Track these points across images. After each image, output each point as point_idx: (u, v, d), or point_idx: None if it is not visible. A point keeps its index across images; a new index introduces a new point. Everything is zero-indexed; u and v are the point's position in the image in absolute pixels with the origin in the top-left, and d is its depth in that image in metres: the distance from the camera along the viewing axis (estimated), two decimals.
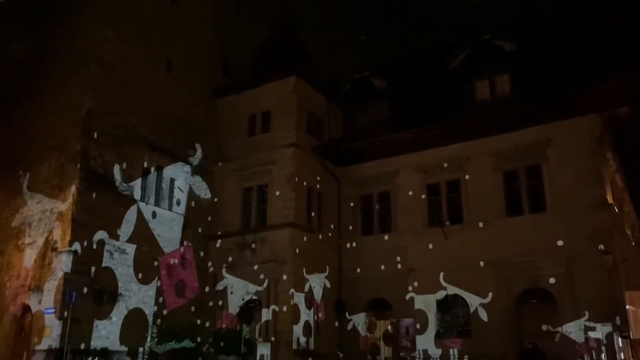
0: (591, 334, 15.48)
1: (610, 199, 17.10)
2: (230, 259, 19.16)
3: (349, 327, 19.58)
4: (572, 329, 15.85)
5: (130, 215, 17.81)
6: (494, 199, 18.23)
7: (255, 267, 18.70)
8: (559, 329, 16.06)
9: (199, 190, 20.48)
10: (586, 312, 15.72)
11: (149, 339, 17.25)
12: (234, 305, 19.01)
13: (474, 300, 17.56)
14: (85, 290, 15.76)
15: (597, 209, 16.41)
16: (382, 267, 18.59)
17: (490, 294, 17.10)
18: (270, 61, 22.59)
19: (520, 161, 18.18)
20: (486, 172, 18.53)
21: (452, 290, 18.05)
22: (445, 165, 19.23)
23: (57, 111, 18.04)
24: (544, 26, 19.94)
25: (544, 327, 16.18)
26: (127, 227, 17.58)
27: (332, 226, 20.81)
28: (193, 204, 20.08)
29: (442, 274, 18.01)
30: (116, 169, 17.57)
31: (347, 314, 19.82)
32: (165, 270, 17.69)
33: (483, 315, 17.18)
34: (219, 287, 19.13)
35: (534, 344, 15.97)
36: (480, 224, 17.51)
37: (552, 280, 16.25)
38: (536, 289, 17.01)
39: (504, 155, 18.35)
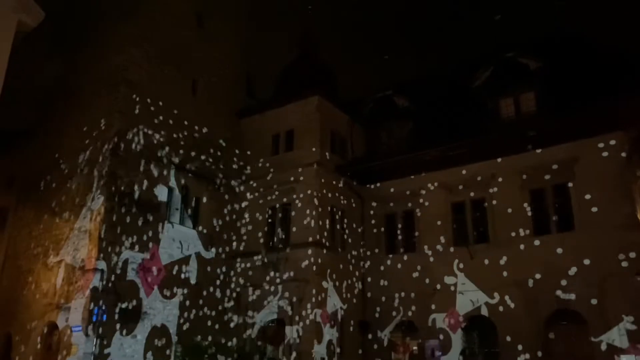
0: (624, 358, 14.99)
1: None
2: (252, 276, 19.19)
3: (374, 347, 19.32)
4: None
5: (158, 234, 18.02)
6: (521, 218, 17.88)
7: (279, 286, 18.66)
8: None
9: (223, 209, 20.58)
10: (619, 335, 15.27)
11: (172, 357, 17.28)
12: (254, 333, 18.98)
13: (501, 321, 17.23)
14: (111, 307, 15.92)
15: (628, 227, 15.94)
16: (407, 287, 18.35)
17: (517, 315, 16.77)
18: (293, 81, 22.84)
19: (547, 180, 17.86)
20: (512, 190, 18.26)
21: (478, 311, 17.75)
22: (471, 183, 19.04)
23: (85, 132, 18.39)
24: (569, 43, 19.78)
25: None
26: (152, 246, 17.77)
27: (355, 245, 20.68)
28: (218, 222, 20.16)
29: (468, 294, 17.72)
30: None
31: (370, 334, 19.58)
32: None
33: (510, 337, 16.82)
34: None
35: None
36: (507, 244, 17.23)
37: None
38: (566, 310, 16.60)
39: (530, 173, 18.06)
